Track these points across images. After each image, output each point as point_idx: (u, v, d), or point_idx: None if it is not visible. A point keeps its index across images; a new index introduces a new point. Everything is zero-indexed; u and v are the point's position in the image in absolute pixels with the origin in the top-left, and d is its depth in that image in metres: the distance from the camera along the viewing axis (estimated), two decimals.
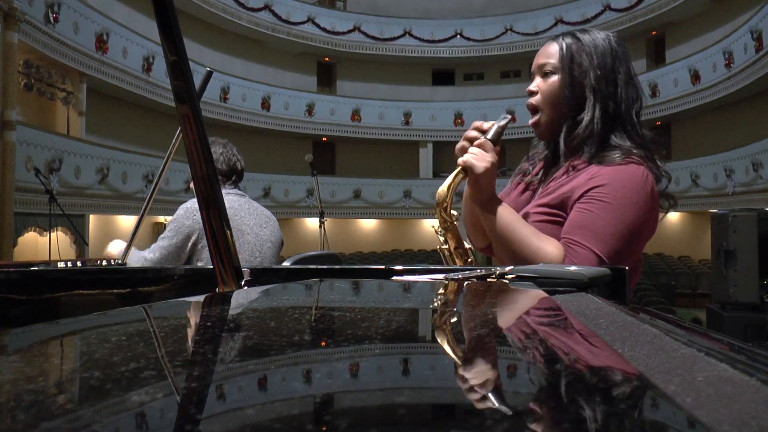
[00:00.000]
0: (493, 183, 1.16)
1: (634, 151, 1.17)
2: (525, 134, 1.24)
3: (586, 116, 1.19)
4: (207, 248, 2.44)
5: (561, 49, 1.23)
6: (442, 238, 1.25)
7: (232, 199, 2.39)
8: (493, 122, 1.20)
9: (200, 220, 2.23)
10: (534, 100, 1.25)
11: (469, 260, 1.25)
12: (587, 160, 1.19)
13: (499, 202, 1.17)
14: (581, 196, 1.15)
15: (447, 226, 1.22)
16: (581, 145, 1.20)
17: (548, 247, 1.11)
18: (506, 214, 1.15)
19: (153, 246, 2.28)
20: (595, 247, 1.10)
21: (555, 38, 1.27)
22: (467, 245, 1.27)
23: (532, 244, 1.12)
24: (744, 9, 13.79)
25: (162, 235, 2.28)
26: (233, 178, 2.46)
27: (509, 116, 1.21)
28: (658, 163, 1.21)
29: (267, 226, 2.45)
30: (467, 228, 1.38)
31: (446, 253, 1.26)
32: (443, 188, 1.17)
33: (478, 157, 1.15)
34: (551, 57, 1.24)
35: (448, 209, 1.20)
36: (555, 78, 1.23)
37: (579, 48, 1.22)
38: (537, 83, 1.26)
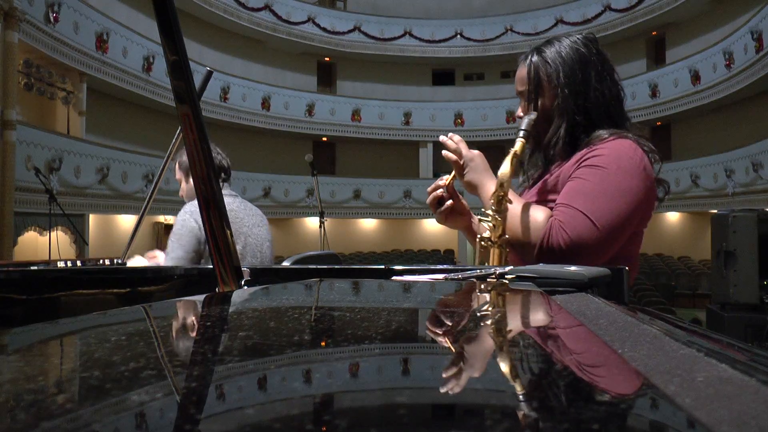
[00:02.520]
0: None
1: (619, 131, 1.22)
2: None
3: (551, 130, 1.26)
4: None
5: (529, 73, 1.29)
6: (489, 225, 1.18)
7: (228, 201, 2.37)
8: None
9: (198, 229, 2.23)
10: None
11: (508, 251, 1.20)
12: (578, 148, 1.24)
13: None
14: (573, 172, 1.18)
15: (502, 210, 1.17)
16: (553, 152, 1.26)
17: (538, 213, 1.14)
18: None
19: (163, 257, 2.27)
20: (582, 207, 1.10)
21: (524, 59, 1.32)
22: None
23: (525, 213, 1.15)
24: (744, 9, 13.79)
25: (167, 249, 2.27)
26: (222, 175, 2.44)
27: (535, 113, 1.26)
28: (647, 141, 1.23)
29: (262, 225, 2.45)
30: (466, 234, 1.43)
31: (484, 243, 1.19)
32: (507, 170, 1.15)
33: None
34: (524, 83, 1.31)
35: (507, 191, 1.15)
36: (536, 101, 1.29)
37: (545, 70, 1.27)
38: (521, 107, 1.33)
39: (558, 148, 1.24)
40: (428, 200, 1.37)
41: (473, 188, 1.26)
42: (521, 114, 1.29)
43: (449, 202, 1.35)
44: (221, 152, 2.46)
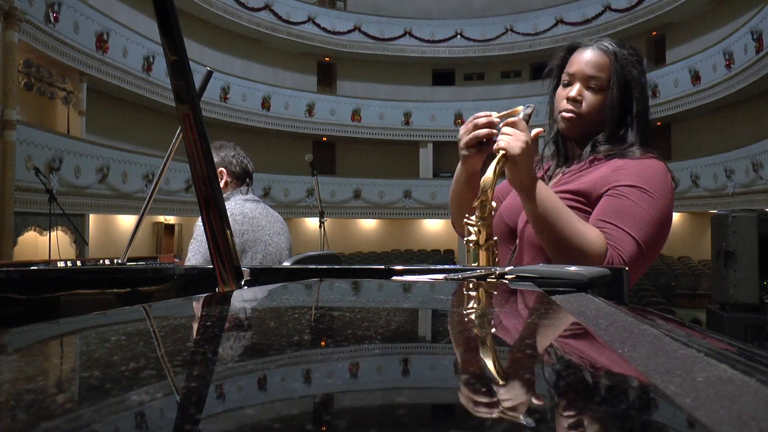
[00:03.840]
0: (532, 164, 1.13)
1: (647, 148, 1.24)
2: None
3: (629, 134, 1.25)
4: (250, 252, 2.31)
5: (614, 68, 1.24)
6: (474, 229, 1.16)
7: (251, 206, 2.35)
8: (499, 113, 1.20)
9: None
10: (577, 108, 1.26)
11: (495, 253, 1.19)
12: (605, 155, 1.24)
13: (541, 184, 1.14)
14: (614, 186, 1.17)
15: (486, 216, 1.14)
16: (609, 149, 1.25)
17: (590, 232, 1.11)
18: (550, 198, 1.13)
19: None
20: (633, 231, 1.12)
21: (604, 48, 1.27)
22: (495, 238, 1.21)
23: (574, 228, 1.11)
24: (744, 9, 13.79)
25: (189, 254, 2.26)
26: (246, 180, 2.43)
27: (533, 105, 1.21)
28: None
29: (283, 233, 2.41)
30: (454, 213, 1.38)
31: (472, 246, 1.17)
32: (489, 175, 1.12)
33: (513, 138, 1.11)
34: (602, 71, 1.25)
35: (491, 197, 1.13)
36: (602, 95, 1.25)
37: (629, 69, 1.25)
38: (579, 90, 1.26)
39: (630, 145, 1.23)
40: (475, 133, 1.20)
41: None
42: (581, 97, 1.25)
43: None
44: (246, 156, 2.45)
